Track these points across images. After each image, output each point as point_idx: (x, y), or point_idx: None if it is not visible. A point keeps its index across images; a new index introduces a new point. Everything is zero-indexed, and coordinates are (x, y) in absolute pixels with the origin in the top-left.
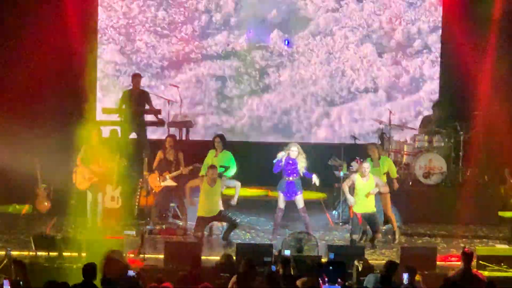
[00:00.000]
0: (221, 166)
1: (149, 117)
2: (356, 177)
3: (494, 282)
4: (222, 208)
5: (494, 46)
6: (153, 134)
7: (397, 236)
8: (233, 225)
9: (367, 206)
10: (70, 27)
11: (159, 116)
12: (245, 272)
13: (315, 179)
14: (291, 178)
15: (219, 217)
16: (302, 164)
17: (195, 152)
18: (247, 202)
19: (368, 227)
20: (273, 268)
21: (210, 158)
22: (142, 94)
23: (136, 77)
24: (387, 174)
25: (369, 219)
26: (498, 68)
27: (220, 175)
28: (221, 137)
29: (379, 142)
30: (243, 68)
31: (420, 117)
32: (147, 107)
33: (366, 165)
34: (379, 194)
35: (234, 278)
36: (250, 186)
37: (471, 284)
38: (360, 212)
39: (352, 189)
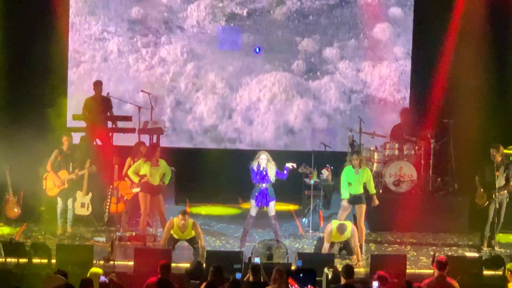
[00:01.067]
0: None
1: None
2: (331, 231)
3: None
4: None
5: (465, 54)
6: (123, 141)
7: (363, 250)
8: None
9: (343, 238)
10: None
11: (129, 123)
12: (213, 279)
13: (290, 165)
14: (264, 185)
15: (190, 242)
16: (272, 172)
17: (165, 159)
18: (217, 209)
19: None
20: (238, 276)
21: (146, 168)
22: (104, 100)
23: (98, 84)
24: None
25: (344, 244)
26: (468, 77)
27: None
28: (159, 149)
29: (349, 150)
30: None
31: (390, 125)
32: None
33: (345, 227)
34: (354, 206)
35: (203, 286)
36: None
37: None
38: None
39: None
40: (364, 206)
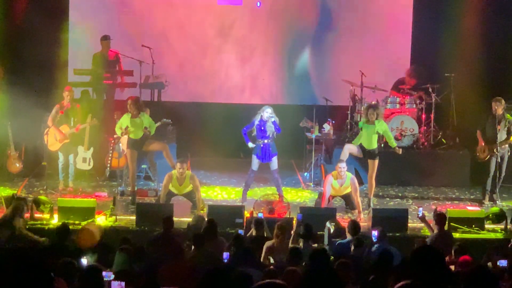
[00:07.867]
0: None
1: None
2: (331, 181)
3: (464, 245)
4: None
5: (468, 6)
6: (124, 95)
7: (371, 204)
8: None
9: (342, 191)
10: None
11: (131, 78)
12: (205, 232)
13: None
14: (266, 141)
15: (187, 196)
16: (271, 128)
17: (166, 114)
18: (219, 163)
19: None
20: (240, 232)
21: (127, 120)
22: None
23: (105, 39)
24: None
25: (345, 198)
26: (469, 29)
27: (149, 134)
28: (136, 100)
29: (351, 104)
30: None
31: (391, 79)
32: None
33: (342, 165)
34: (367, 160)
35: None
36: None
37: (445, 242)
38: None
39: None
40: (376, 162)
